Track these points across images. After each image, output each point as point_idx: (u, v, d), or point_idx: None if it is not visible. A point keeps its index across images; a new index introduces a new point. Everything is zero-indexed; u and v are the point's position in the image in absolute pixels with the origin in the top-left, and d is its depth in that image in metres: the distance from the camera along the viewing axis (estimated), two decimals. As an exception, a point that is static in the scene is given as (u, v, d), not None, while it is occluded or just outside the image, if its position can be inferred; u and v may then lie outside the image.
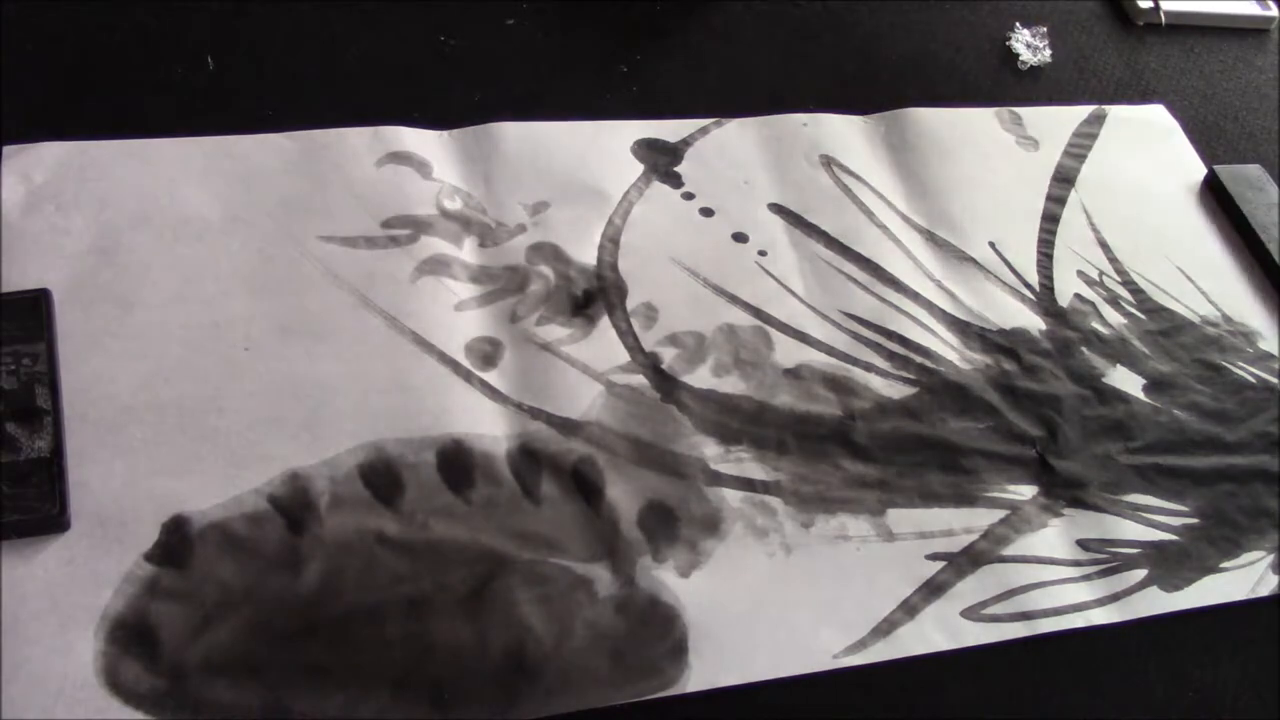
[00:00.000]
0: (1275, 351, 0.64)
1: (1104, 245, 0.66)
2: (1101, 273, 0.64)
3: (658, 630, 0.46)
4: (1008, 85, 0.73)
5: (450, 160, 0.59)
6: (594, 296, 0.56)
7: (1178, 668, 0.51)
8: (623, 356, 0.54)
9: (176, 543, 0.44)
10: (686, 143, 0.64)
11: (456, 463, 0.49)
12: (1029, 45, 0.75)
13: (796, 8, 0.74)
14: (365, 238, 0.55)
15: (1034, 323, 0.61)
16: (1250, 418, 0.60)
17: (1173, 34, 0.80)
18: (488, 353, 0.53)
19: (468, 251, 0.56)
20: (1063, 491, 0.54)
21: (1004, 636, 0.49)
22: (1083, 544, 0.53)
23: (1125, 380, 0.60)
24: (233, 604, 0.43)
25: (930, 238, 0.63)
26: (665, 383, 0.54)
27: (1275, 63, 0.81)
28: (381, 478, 0.48)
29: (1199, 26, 0.81)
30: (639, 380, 0.53)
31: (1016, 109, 0.71)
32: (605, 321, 0.55)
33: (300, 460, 0.47)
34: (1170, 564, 0.53)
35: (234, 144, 0.57)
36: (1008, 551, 0.52)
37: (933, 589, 0.50)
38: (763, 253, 0.60)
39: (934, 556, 0.51)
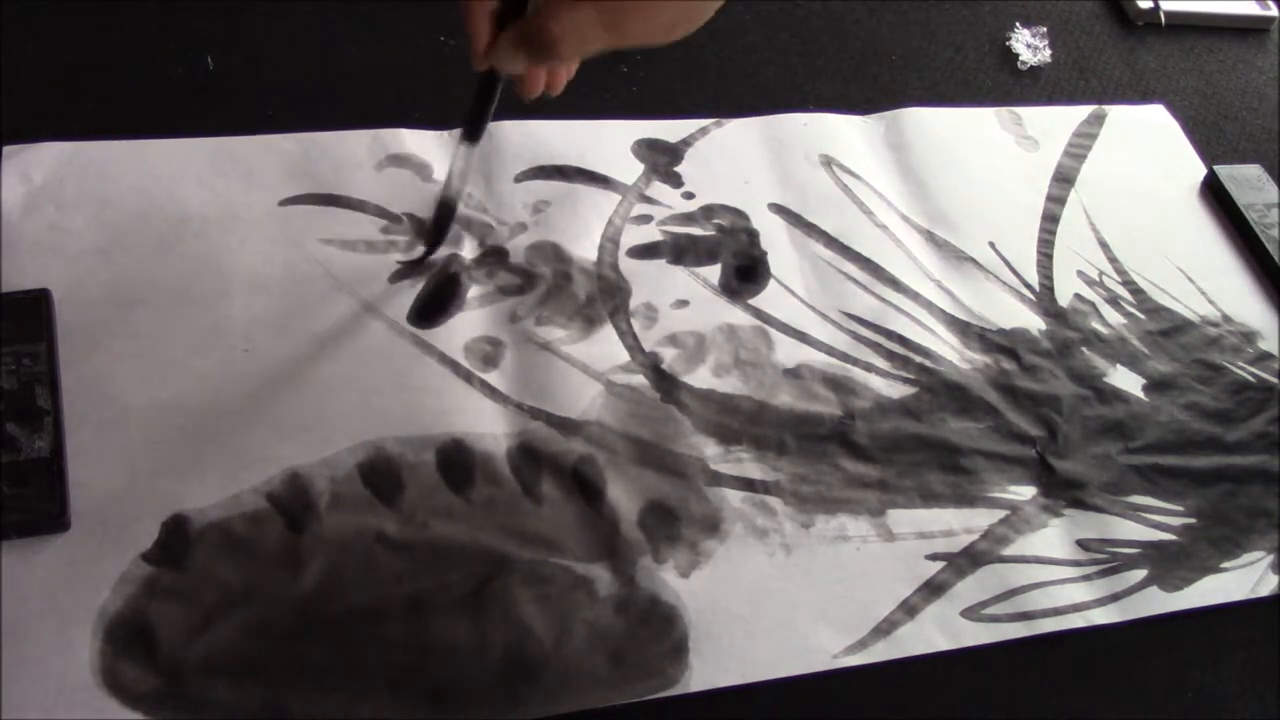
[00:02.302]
0: (1275, 351, 0.64)
1: (1104, 245, 0.66)
2: (1101, 273, 0.64)
3: (658, 630, 0.46)
4: (1008, 85, 0.73)
5: (450, 160, 0.59)
6: (594, 296, 0.56)
7: (1178, 668, 0.51)
8: (623, 356, 0.54)
9: (176, 542, 0.44)
10: (686, 143, 0.64)
11: (456, 462, 0.49)
12: (1029, 45, 0.75)
13: (796, 8, 0.74)
14: (365, 240, 0.55)
15: (1034, 323, 0.61)
16: (1250, 418, 0.60)
17: (1173, 34, 0.80)
18: (488, 353, 0.53)
19: (468, 251, 0.56)
20: (1063, 492, 0.54)
21: (1004, 636, 0.49)
22: (1083, 544, 0.53)
23: (1125, 380, 0.60)
24: (232, 604, 0.43)
25: (930, 238, 0.63)
26: (665, 383, 0.54)
27: (1275, 63, 0.81)
28: (381, 477, 0.48)
29: (1199, 26, 0.81)
30: (639, 380, 0.53)
31: (1016, 109, 0.71)
32: (605, 321, 0.55)
33: (300, 460, 0.47)
34: (1170, 564, 0.53)
35: (234, 144, 0.57)
36: (1008, 551, 0.52)
37: (933, 589, 0.50)
38: (763, 252, 0.60)
39: (934, 556, 0.51)
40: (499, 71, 0.45)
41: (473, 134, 0.50)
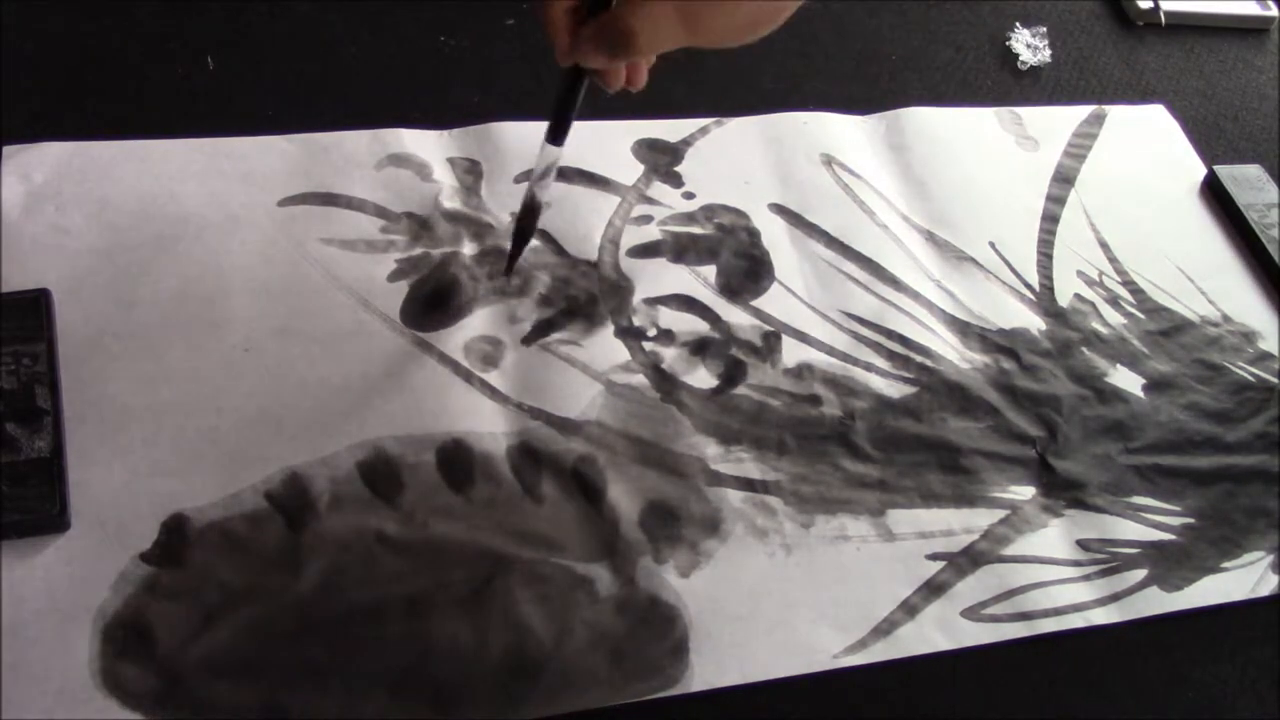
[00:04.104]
0: (1275, 351, 0.64)
1: (1104, 245, 0.66)
2: (1101, 273, 0.64)
3: (658, 630, 0.46)
4: (1008, 85, 0.73)
5: (450, 160, 0.59)
6: (595, 296, 0.56)
7: (1178, 668, 0.51)
8: (623, 356, 0.54)
9: (175, 542, 0.44)
10: (686, 143, 0.64)
11: (456, 461, 0.49)
12: (1029, 45, 0.75)
13: (796, 8, 0.74)
14: (365, 240, 0.55)
15: (1034, 322, 0.61)
16: (1250, 418, 0.60)
17: (1173, 34, 0.80)
18: (488, 353, 0.53)
19: (468, 251, 0.56)
20: (1063, 492, 0.54)
21: (1004, 636, 0.49)
22: (1083, 544, 0.53)
23: (1125, 380, 0.60)
24: (232, 603, 0.43)
25: (930, 237, 0.63)
26: (665, 383, 0.54)
27: (1275, 63, 0.81)
28: (381, 476, 0.48)
29: (1199, 26, 0.81)
30: (639, 380, 0.53)
31: (1016, 109, 0.71)
32: (606, 321, 0.55)
33: (300, 459, 0.47)
34: (1170, 564, 0.53)
35: (234, 145, 0.57)
36: (1008, 551, 0.52)
37: (933, 589, 0.50)
38: (764, 252, 0.60)
39: (934, 556, 0.51)
40: (583, 68, 0.44)
41: (557, 134, 0.48)
